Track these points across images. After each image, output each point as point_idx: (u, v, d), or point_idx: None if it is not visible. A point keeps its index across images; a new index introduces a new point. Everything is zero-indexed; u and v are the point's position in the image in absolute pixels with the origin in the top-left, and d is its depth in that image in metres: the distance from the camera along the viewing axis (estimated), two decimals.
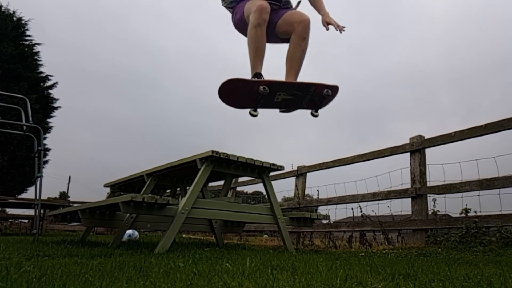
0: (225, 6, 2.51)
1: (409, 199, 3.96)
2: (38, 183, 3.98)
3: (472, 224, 3.28)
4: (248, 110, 2.14)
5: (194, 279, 1.01)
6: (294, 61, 2.27)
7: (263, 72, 2.21)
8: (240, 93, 2.03)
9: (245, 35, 2.30)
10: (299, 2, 2.45)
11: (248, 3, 2.30)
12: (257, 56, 2.18)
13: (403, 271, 1.33)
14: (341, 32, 2.27)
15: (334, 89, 2.24)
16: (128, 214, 3.23)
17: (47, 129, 12.75)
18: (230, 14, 2.49)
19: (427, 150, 3.98)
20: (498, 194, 3.29)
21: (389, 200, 4.24)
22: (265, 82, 2.05)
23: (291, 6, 2.48)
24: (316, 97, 2.18)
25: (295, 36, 2.26)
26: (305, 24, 2.26)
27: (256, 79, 2.10)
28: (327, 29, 2.29)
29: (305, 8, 2.49)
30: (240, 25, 2.38)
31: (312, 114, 2.25)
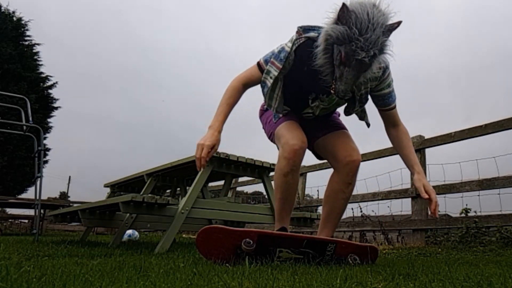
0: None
1: (409, 199, 3.96)
2: (38, 183, 3.98)
3: (472, 224, 3.28)
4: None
5: (194, 279, 1.01)
6: (334, 211, 1.80)
7: None
8: (220, 247, 1.50)
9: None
10: (368, 125, 1.84)
11: (277, 130, 1.79)
12: (284, 208, 1.76)
13: (403, 271, 1.33)
14: (434, 215, 1.57)
15: (369, 254, 1.71)
16: (128, 214, 3.23)
17: (47, 129, 12.74)
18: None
19: (427, 150, 3.98)
20: (498, 194, 3.30)
21: (389, 200, 4.26)
22: (255, 234, 1.51)
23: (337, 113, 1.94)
24: (338, 257, 1.66)
25: (338, 179, 1.76)
26: (354, 166, 1.73)
27: (247, 229, 1.56)
28: (425, 198, 1.57)
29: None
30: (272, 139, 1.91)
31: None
